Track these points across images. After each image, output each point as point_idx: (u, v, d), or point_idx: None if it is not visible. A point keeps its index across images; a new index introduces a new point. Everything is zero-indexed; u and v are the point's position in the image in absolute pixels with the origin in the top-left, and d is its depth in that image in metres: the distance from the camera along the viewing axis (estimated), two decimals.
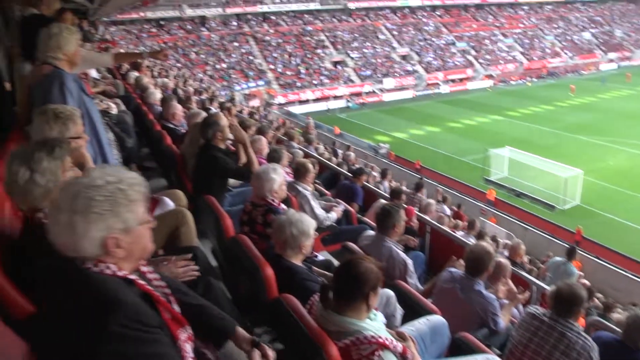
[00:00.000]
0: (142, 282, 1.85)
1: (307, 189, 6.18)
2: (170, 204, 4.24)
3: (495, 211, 21.38)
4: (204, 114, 6.72)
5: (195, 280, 2.84)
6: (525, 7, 76.85)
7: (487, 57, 65.35)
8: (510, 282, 5.32)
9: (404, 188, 13.47)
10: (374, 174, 14.99)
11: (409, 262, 4.93)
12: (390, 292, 3.93)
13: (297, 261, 3.49)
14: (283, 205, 4.40)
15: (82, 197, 1.68)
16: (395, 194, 9.25)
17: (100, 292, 1.64)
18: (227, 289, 3.52)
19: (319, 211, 6.16)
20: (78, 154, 3.16)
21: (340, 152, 18.79)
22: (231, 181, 5.78)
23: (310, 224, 3.52)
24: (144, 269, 1.99)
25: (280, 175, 4.42)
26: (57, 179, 2.54)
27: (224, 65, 54.07)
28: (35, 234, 2.34)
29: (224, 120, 5.47)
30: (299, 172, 6.28)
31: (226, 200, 5.48)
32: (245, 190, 5.74)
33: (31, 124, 3.28)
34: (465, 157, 31.96)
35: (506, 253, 9.81)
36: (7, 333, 1.79)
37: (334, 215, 6.39)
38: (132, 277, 1.80)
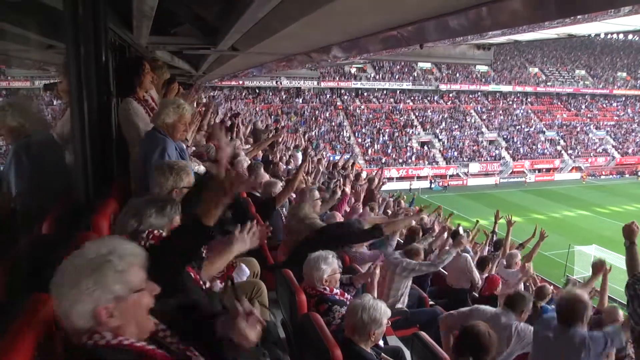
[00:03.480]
0: (139, 344, 1.82)
1: None
2: (246, 270, 4.35)
3: None
4: (280, 184, 7.10)
5: (263, 352, 2.92)
6: (621, 100, 72.85)
7: (577, 148, 63.29)
8: None
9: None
10: None
11: None
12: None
13: (366, 347, 3.48)
14: (336, 290, 4.28)
15: (69, 271, 1.70)
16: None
17: None
18: None
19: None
20: None
21: None
22: None
23: (384, 313, 3.50)
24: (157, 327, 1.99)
25: (330, 265, 4.26)
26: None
27: (313, 134, 54.96)
28: None
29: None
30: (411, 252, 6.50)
31: None
32: None
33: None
34: (547, 251, 30.48)
35: None
36: None
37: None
38: (128, 341, 1.78)
